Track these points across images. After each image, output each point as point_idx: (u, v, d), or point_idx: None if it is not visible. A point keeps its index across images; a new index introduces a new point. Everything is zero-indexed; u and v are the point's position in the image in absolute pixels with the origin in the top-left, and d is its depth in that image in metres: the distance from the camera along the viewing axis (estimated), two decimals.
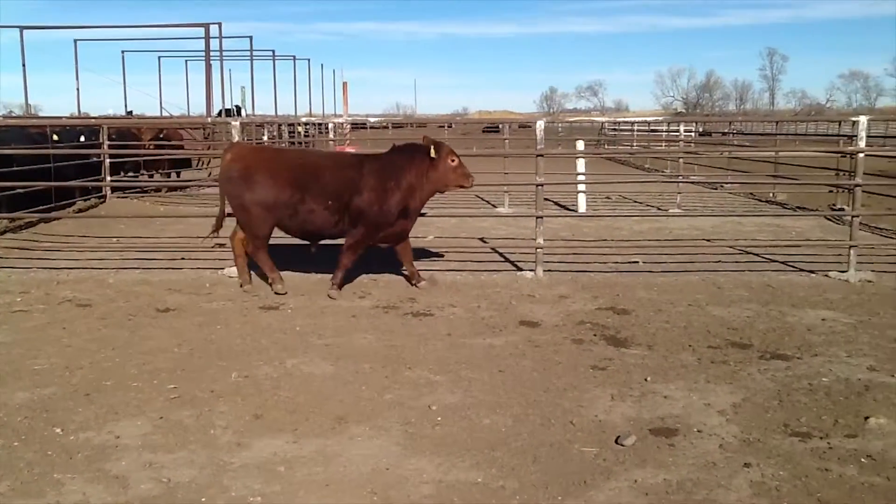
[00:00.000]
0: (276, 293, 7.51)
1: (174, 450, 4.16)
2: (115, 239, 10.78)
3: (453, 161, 7.68)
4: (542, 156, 8.74)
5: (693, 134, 27.93)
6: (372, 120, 25.25)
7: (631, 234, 11.49)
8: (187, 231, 11.43)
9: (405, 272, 8.03)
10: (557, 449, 4.18)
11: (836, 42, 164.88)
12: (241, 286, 7.78)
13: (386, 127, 37.12)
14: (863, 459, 4.01)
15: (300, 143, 25.89)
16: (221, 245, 8.17)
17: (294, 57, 34.62)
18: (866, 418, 4.50)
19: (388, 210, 7.52)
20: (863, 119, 8.79)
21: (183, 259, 9.33)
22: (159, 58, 31.15)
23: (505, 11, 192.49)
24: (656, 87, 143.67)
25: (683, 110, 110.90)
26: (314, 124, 30.66)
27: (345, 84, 31.64)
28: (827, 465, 3.95)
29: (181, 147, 18.93)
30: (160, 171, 18.22)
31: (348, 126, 28.83)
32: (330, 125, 28.34)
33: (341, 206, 7.47)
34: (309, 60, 36.25)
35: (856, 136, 8.77)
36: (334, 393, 5.00)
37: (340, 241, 7.77)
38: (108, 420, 4.55)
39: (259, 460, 4.04)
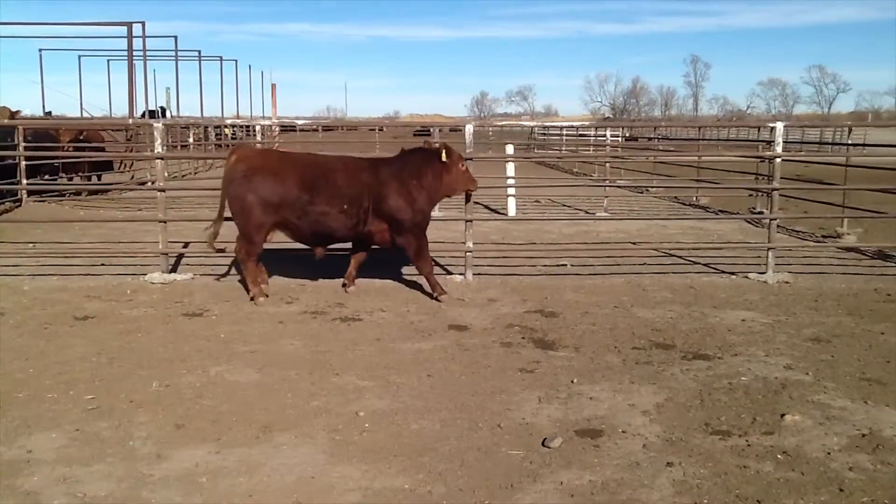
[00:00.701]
0: (256, 305, 7.30)
1: (90, 463, 4.01)
2: (31, 244, 10.37)
3: (463, 166, 7.92)
4: (470, 159, 8.78)
5: (620, 139, 28.53)
6: (300, 122, 24.94)
7: (560, 237, 11.63)
8: (108, 236, 11.12)
9: (345, 276, 7.89)
10: (485, 452, 4.19)
11: (756, 50, 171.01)
12: (249, 289, 7.59)
13: (315, 129, 36.63)
14: (779, 456, 4.13)
15: (227, 145, 25.43)
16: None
17: (221, 57, 34.17)
18: (782, 415, 4.65)
19: (423, 209, 7.70)
20: (779, 125, 9.09)
21: (103, 265, 9.02)
22: (80, 57, 30.32)
23: (436, 15, 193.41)
24: (585, 93, 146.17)
25: (611, 115, 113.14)
26: (241, 126, 30.19)
27: (273, 86, 31.35)
28: (745, 462, 4.06)
29: (102, 149, 18.38)
30: (80, 173, 17.65)
31: (277, 128, 28.47)
32: (258, 127, 27.92)
33: (361, 210, 7.49)
34: (237, 61, 35.90)
35: (773, 141, 9.06)
36: (259, 401, 4.90)
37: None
38: (20, 434, 4.37)
39: (180, 472, 3.93)
